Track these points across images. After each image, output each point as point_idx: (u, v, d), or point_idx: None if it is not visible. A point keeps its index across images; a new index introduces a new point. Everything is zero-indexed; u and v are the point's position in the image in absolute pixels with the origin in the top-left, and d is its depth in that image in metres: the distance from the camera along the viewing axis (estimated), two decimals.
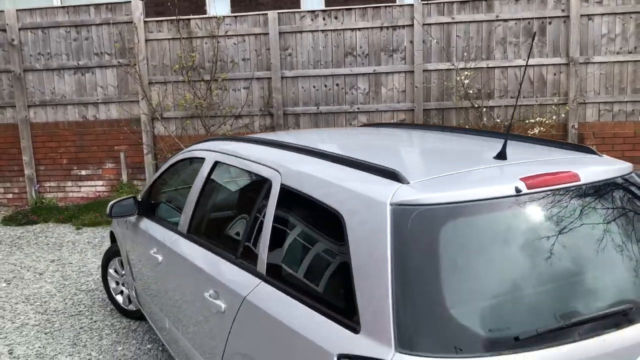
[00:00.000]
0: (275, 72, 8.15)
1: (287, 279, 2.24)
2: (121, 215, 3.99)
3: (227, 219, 3.00)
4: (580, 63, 7.58)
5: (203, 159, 3.32)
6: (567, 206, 1.97)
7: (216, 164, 3.15)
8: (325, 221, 2.12)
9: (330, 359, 1.81)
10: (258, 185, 2.68)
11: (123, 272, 4.73)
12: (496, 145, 2.35)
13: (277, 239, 2.36)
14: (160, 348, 4.28)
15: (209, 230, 3.10)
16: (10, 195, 9.09)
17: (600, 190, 2.09)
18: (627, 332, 1.81)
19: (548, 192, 1.96)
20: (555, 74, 7.71)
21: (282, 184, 2.42)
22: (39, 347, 4.33)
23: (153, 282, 3.58)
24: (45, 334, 4.56)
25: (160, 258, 3.34)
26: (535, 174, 1.98)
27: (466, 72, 7.45)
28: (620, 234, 2.00)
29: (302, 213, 2.31)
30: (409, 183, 1.91)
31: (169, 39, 8.32)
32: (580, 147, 2.46)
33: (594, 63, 7.60)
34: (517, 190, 1.91)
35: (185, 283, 2.96)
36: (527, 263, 1.83)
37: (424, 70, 7.86)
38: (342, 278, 1.95)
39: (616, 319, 1.82)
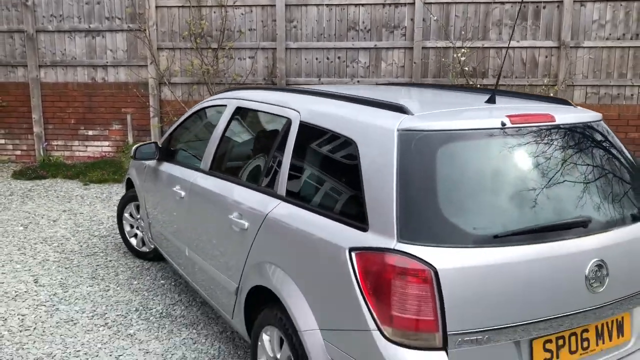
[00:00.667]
0: (280, 43, 8.49)
1: (305, 197, 2.64)
2: (144, 158, 4.36)
3: (249, 155, 3.39)
4: (570, 47, 7.99)
5: (224, 105, 3.70)
6: (543, 140, 2.38)
7: (238, 109, 3.53)
8: (340, 148, 2.52)
9: (343, 252, 2.22)
10: (278, 124, 3.07)
11: (138, 216, 5.11)
12: (487, 97, 2.75)
13: (295, 165, 2.75)
14: (173, 283, 4.69)
15: (232, 166, 3.48)
16: (18, 152, 9.41)
17: (571, 130, 2.50)
18: (584, 240, 2.23)
19: (528, 128, 2.37)
20: (546, 57, 8.11)
21: (301, 121, 2.81)
22: (61, 278, 4.73)
23: (173, 216, 3.97)
24: (66, 268, 4.95)
25: (183, 193, 3.73)
26: (518, 113, 2.38)
27: (463, 50, 7.83)
28: (584, 165, 2.41)
29: (318, 143, 2.71)
30: (412, 114, 2.31)
31: (178, 7, 8.62)
32: (559, 99, 2.87)
33: (583, 47, 8.00)
34: (503, 124, 2.31)
35: (209, 211, 3.35)
36: (507, 180, 2.24)
37: (422, 48, 8.23)
38: (353, 191, 2.35)
39: (576, 231, 2.24)
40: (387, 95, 2.98)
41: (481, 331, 2.06)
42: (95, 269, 4.95)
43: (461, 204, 2.16)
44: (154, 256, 5.11)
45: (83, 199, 7.44)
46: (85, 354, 3.57)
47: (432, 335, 2.02)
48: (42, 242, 5.64)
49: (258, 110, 3.35)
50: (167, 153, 4.40)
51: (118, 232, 5.90)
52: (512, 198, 2.21)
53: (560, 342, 2.23)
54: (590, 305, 2.23)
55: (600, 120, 2.67)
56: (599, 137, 2.58)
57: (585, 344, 2.29)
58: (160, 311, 4.16)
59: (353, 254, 2.18)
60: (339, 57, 8.49)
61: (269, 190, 2.89)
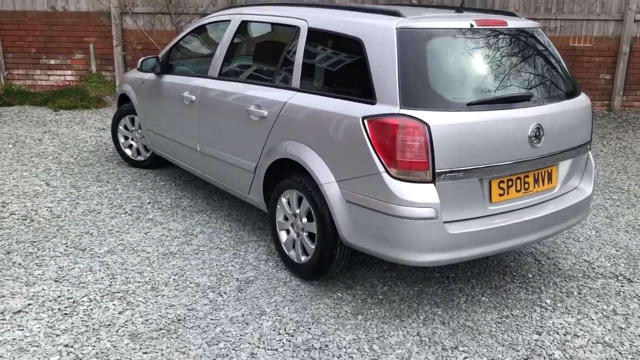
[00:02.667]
0: None
1: (318, 87, 3.38)
2: (147, 71, 4.93)
3: (258, 60, 4.07)
4: None
5: (228, 20, 4.32)
6: (498, 39, 3.22)
7: (243, 22, 4.18)
8: (346, 46, 3.26)
9: (357, 120, 3.00)
10: (286, 32, 3.76)
11: (133, 128, 5.69)
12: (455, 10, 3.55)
13: (307, 63, 3.48)
14: (174, 183, 5.36)
15: (242, 70, 4.16)
16: None
17: (519, 32, 3.36)
18: (528, 109, 3.12)
19: (488, 29, 3.19)
20: None
21: (309, 27, 3.52)
22: (70, 182, 5.30)
23: (181, 120, 4.61)
24: (70, 175, 5.51)
25: (193, 97, 4.37)
26: (481, 19, 3.20)
27: None
28: (528, 58, 3.29)
29: (326, 44, 3.45)
30: (405, 17, 3.08)
31: None
32: (509, 13, 3.71)
33: None
34: (471, 25, 3.13)
35: (225, 107, 4.03)
36: (474, 66, 3.08)
37: None
38: (360, 77, 3.11)
39: (523, 103, 3.12)
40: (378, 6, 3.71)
41: (457, 170, 2.92)
42: (98, 175, 5.53)
43: (444, 82, 2.98)
44: (150, 164, 5.73)
45: (58, 123, 7.82)
46: (118, 231, 4.25)
47: (424, 173, 2.87)
48: (37, 156, 6.11)
49: (263, 22, 4.02)
50: (167, 67, 4.98)
51: (106, 148, 6.46)
52: (478, 78, 3.06)
53: (510, 182, 3.13)
54: (531, 156, 3.14)
55: (538, 27, 3.53)
56: (539, 39, 3.45)
57: (526, 185, 3.21)
58: (170, 203, 4.85)
59: (365, 121, 2.97)
60: None
61: (284, 85, 3.60)
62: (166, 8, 8.95)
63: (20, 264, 3.69)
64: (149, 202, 4.85)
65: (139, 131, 5.63)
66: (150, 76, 5.08)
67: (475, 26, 3.14)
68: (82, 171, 5.64)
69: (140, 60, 4.90)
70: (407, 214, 2.86)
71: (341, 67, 3.34)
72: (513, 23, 3.36)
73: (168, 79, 4.85)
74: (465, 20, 3.16)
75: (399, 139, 2.85)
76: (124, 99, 5.82)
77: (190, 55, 4.95)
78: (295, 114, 3.43)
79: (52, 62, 9.45)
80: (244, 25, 4.21)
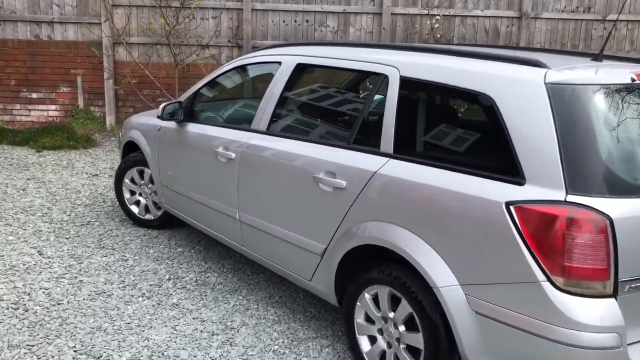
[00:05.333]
0: (246, 3, 8.18)
1: (424, 153, 2.59)
2: (171, 119, 4.09)
3: (326, 114, 3.28)
4: (531, 18, 8.32)
5: (277, 62, 3.53)
6: None
7: (299, 66, 3.38)
8: (466, 102, 2.50)
9: (497, 206, 2.22)
10: (365, 81, 2.98)
11: (142, 182, 4.81)
12: (584, 57, 2.81)
13: (403, 122, 2.69)
14: (192, 250, 4.48)
15: (300, 126, 3.35)
16: None
17: None
18: None
19: None
20: (508, 26, 8.40)
21: (402, 77, 2.74)
22: (67, 249, 4.37)
23: (214, 179, 3.77)
24: (66, 239, 4.58)
25: (233, 155, 3.54)
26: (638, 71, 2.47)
27: (437, 17, 7.94)
28: None
29: (430, 98, 2.68)
30: (552, 68, 2.33)
31: None
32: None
33: (542, 19, 8.37)
34: (632, 79, 2.39)
35: (279, 172, 3.21)
36: None
37: (391, 14, 8.24)
38: (494, 145, 2.34)
39: None
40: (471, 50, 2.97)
41: None
42: (100, 239, 4.62)
43: (619, 155, 2.22)
44: (160, 224, 4.85)
45: (42, 166, 6.88)
46: (138, 325, 3.35)
47: (604, 283, 2.08)
48: (22, 212, 5.16)
49: (330, 67, 3.23)
50: (191, 113, 4.16)
51: (103, 200, 5.56)
52: None
53: None
54: None
55: None
56: None
57: None
58: (194, 279, 3.97)
59: (512, 208, 2.18)
60: (307, 21, 8.34)
61: (368, 148, 2.81)
62: (165, 39, 8.13)
63: None
64: (169, 279, 3.95)
65: (150, 186, 4.75)
66: (170, 123, 4.24)
67: (637, 81, 2.40)
68: (80, 233, 4.71)
69: (163, 106, 4.05)
70: (579, 341, 2.06)
71: (458, 130, 2.56)
72: None
73: (194, 128, 4.02)
74: (623, 73, 2.42)
75: (569, 238, 2.07)
76: (129, 146, 4.95)
77: (223, 102, 4.14)
78: (392, 188, 2.63)
79: (34, 95, 8.51)
80: (300, 70, 3.42)
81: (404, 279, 2.56)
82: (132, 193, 4.92)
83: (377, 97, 2.87)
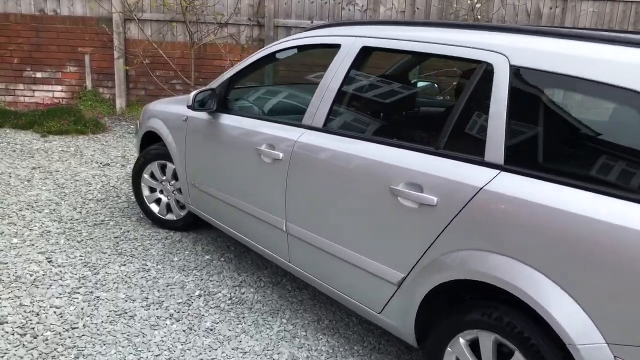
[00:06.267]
0: None
1: (552, 168, 2.02)
2: (202, 109, 3.51)
3: (401, 109, 2.69)
4: (576, 0, 7.68)
5: (336, 45, 2.94)
6: None
7: (365, 50, 2.80)
8: (612, 102, 1.92)
9: None
10: (453, 70, 2.39)
11: (163, 178, 4.25)
12: None
13: (518, 125, 2.12)
14: (222, 259, 3.92)
15: (368, 124, 2.78)
16: None
17: None
18: None
19: None
20: (551, 8, 7.77)
21: (514, 67, 2.16)
22: (80, 255, 3.81)
23: (253, 182, 3.21)
24: (78, 242, 4.03)
25: (280, 155, 2.97)
26: None
27: None
28: None
29: (555, 95, 2.09)
30: None
31: None
32: None
33: (589, 0, 7.73)
34: None
35: (342, 179, 2.64)
36: None
37: None
38: None
39: None
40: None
41: None
42: (117, 243, 4.06)
43: None
44: (184, 225, 4.29)
45: (48, 153, 6.30)
46: (169, 358, 2.80)
47: None
48: (28, 208, 4.61)
49: (407, 52, 2.64)
50: (225, 103, 3.58)
51: (117, 195, 5.00)
52: None
53: None
54: None
55: None
56: None
57: None
58: (229, 296, 3.42)
59: None
60: None
61: (468, 156, 2.23)
62: (181, 15, 7.50)
63: None
64: (199, 295, 3.41)
65: (172, 183, 4.19)
66: (199, 113, 3.66)
67: None
68: (93, 235, 4.16)
69: (195, 94, 3.46)
70: None
71: (605, 139, 1.98)
72: None
73: (229, 120, 3.44)
74: None
75: None
76: (149, 137, 4.37)
77: (264, 91, 3.55)
78: (506, 210, 2.05)
79: (39, 75, 7.91)
80: (365, 55, 2.83)
81: (520, 327, 2.01)
82: (152, 190, 4.36)
83: (476, 90, 2.28)
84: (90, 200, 4.91)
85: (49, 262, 3.69)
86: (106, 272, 3.60)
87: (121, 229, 4.32)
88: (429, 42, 2.52)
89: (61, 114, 7.44)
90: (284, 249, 3.10)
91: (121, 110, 7.94)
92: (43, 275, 3.52)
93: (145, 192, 4.36)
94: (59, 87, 7.96)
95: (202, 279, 3.61)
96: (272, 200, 3.09)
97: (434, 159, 2.33)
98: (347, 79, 2.83)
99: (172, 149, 3.97)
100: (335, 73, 2.87)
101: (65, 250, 3.87)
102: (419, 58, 2.81)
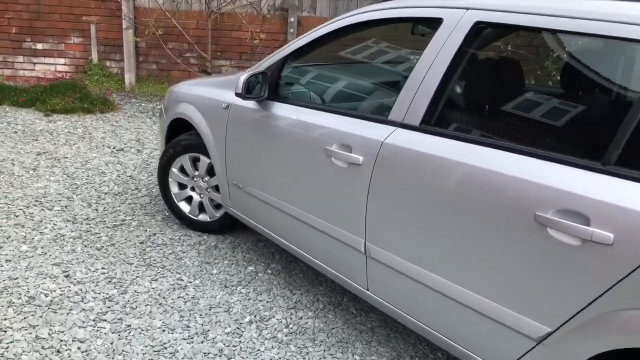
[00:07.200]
0: None
1: None
2: (253, 97, 2.89)
3: (539, 108, 2.08)
4: None
5: (437, 20, 2.31)
6: None
7: (479, 26, 2.17)
8: None
9: None
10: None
11: (196, 173, 3.64)
12: None
13: None
14: (269, 271, 3.35)
15: (493, 124, 2.16)
16: None
17: None
18: None
19: None
20: None
21: None
22: (103, 267, 3.23)
23: (321, 190, 2.61)
24: (98, 249, 3.44)
25: (360, 159, 2.37)
26: None
27: None
28: None
29: None
30: None
31: None
32: None
33: None
34: None
35: (459, 197, 2.04)
36: None
37: None
38: None
39: None
40: None
41: None
42: (143, 250, 3.47)
43: None
44: (220, 228, 3.71)
45: (53, 135, 5.68)
46: None
47: None
48: (36, 204, 4.00)
49: (550, 31, 2.00)
50: (276, 88, 2.96)
51: (136, 187, 4.41)
52: None
53: None
54: None
55: None
56: None
57: None
58: (285, 323, 2.85)
59: None
60: None
61: None
62: None
63: None
64: (250, 322, 2.84)
65: (207, 179, 3.59)
66: (247, 101, 3.04)
67: None
68: (114, 240, 3.57)
69: (246, 78, 2.81)
70: None
71: None
72: None
73: (286, 111, 2.83)
74: None
75: None
76: (176, 124, 3.76)
77: (331, 76, 2.93)
78: None
79: (40, 46, 7.23)
80: (478, 33, 2.20)
81: None
82: (182, 187, 3.76)
83: None
84: (106, 194, 4.30)
85: (66, 277, 3.11)
86: (135, 291, 3.02)
87: (146, 231, 3.73)
88: (581, 19, 1.88)
89: (65, 90, 6.78)
90: (361, 274, 2.52)
91: (130, 86, 7.28)
92: (61, 295, 2.93)
93: (174, 189, 3.76)
94: (62, 60, 7.28)
95: (249, 298, 3.04)
96: (346, 214, 2.50)
97: (599, 179, 1.72)
98: (453, 65, 2.20)
99: (208, 140, 3.36)
100: (436, 56, 2.25)
101: (83, 261, 3.28)
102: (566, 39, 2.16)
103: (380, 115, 2.43)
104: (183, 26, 6.92)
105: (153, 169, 4.92)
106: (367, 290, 2.52)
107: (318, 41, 2.82)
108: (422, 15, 2.39)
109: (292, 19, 7.08)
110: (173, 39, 7.13)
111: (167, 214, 4.00)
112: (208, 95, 3.41)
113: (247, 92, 2.84)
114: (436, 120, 2.22)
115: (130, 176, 4.71)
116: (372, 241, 2.40)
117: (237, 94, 2.85)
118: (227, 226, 3.71)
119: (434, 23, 2.32)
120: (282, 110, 2.85)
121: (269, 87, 2.92)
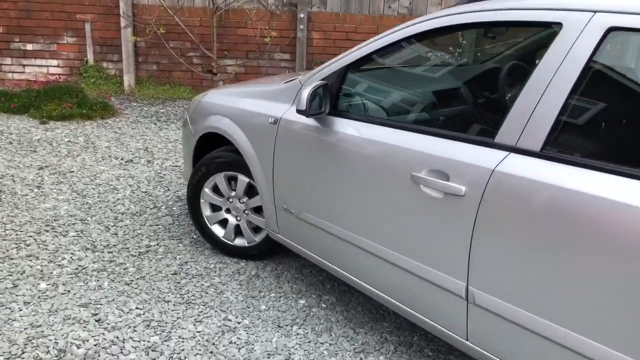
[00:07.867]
0: None
1: None
2: (316, 114, 2.51)
3: None
4: None
5: (555, 25, 1.95)
6: None
7: (611, 34, 1.81)
8: None
9: None
10: None
11: (232, 194, 3.25)
12: None
13: None
14: (324, 305, 2.98)
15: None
16: None
17: None
18: None
19: None
20: None
21: None
22: (137, 308, 2.83)
23: (405, 222, 2.24)
24: (127, 284, 3.03)
25: (462, 189, 2.00)
26: None
27: None
28: None
29: None
30: None
31: None
32: None
33: None
34: None
35: (600, 243, 1.68)
36: None
37: None
38: None
39: None
40: None
41: None
42: (178, 283, 3.08)
43: None
44: (260, 253, 3.33)
45: (53, 146, 5.23)
46: None
47: None
48: (47, 230, 3.58)
49: None
50: (337, 102, 2.58)
51: (154, 204, 4.02)
52: None
53: None
54: None
55: None
56: None
57: None
58: None
59: None
60: None
61: None
62: None
63: None
64: None
65: (244, 200, 3.20)
66: (299, 116, 2.66)
67: None
68: (143, 270, 3.17)
69: (310, 93, 2.42)
70: None
71: None
72: None
73: (355, 129, 2.45)
74: None
75: None
76: (214, 139, 3.36)
77: (413, 89, 2.55)
78: None
79: (29, 47, 6.74)
80: (612, 40, 1.84)
81: None
82: (215, 208, 3.36)
83: None
84: (123, 214, 3.89)
85: (97, 321, 2.70)
86: (180, 337, 2.63)
87: (176, 259, 3.33)
88: None
89: (61, 94, 6.30)
90: (459, 321, 2.16)
91: (130, 88, 6.82)
92: (95, 345, 2.53)
93: (206, 211, 3.37)
94: (55, 62, 6.79)
95: (309, 341, 2.67)
96: (442, 252, 2.14)
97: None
98: (581, 79, 1.85)
99: (250, 158, 2.97)
100: (557, 68, 1.89)
101: (113, 299, 2.88)
102: None
103: (481, 136, 2.08)
104: (186, 24, 6.48)
105: (168, 182, 4.52)
106: (467, 340, 2.17)
107: (387, 49, 2.44)
108: (533, 20, 2.02)
109: (302, 15, 6.67)
110: (174, 38, 6.68)
111: (194, 236, 3.61)
112: (248, 107, 3.02)
113: (313, 108, 2.46)
114: (563, 144, 1.86)
115: (146, 192, 4.29)
116: (476, 285, 2.04)
117: (299, 111, 2.46)
118: (267, 251, 3.33)
119: (551, 28, 1.96)
120: (350, 128, 2.47)
121: (330, 100, 2.54)
